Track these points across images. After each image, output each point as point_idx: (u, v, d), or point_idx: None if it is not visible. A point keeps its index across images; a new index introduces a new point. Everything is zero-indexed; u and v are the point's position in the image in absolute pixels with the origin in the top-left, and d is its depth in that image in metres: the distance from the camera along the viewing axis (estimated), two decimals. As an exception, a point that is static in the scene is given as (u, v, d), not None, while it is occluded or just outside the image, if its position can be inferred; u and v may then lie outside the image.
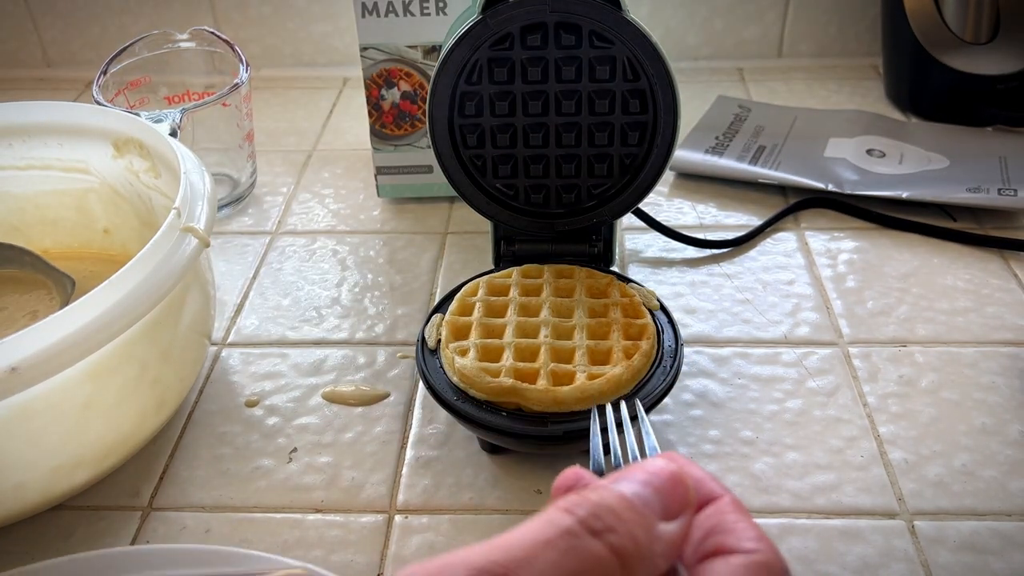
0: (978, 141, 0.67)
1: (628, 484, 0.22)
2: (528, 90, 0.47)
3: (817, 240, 0.59)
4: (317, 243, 0.61)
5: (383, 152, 0.62)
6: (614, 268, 0.52)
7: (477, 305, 0.46)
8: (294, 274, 0.58)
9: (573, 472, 0.25)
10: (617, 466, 0.30)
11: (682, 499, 0.22)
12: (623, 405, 0.35)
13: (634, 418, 0.34)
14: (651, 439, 0.30)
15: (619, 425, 0.34)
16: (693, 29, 0.82)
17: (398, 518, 0.42)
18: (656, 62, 0.45)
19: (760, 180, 0.64)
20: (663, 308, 0.47)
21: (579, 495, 0.21)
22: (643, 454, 0.30)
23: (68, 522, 0.42)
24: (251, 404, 0.48)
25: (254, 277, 0.58)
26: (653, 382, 0.42)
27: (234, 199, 0.65)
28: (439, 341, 0.45)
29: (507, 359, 0.43)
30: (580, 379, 0.41)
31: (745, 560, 0.21)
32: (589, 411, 0.36)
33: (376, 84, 0.60)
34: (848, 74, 0.81)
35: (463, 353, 0.43)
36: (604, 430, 0.33)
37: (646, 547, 0.20)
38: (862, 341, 0.51)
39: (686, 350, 0.49)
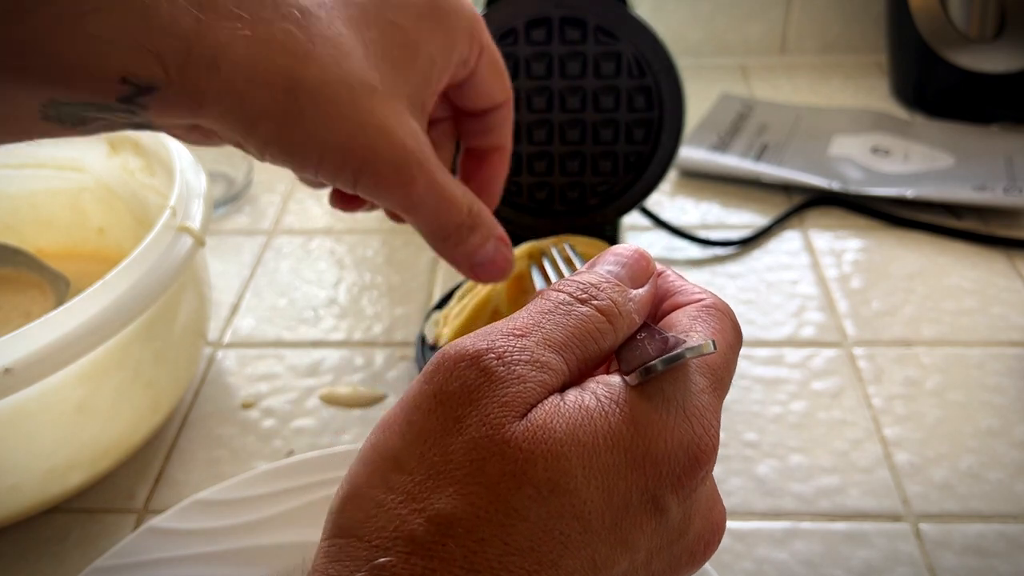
0: (983, 139, 0.67)
1: (602, 265, 0.27)
2: (532, 86, 0.47)
3: (822, 239, 0.59)
4: (314, 242, 0.60)
5: (382, 150, 0.62)
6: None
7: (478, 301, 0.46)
8: (291, 274, 0.57)
9: None
10: None
11: (645, 270, 0.27)
12: None
13: None
14: None
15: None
16: (696, 25, 0.81)
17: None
18: (662, 59, 0.45)
19: (763, 179, 0.63)
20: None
21: (564, 280, 0.26)
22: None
23: (63, 525, 0.41)
24: (247, 406, 0.47)
25: (250, 277, 0.57)
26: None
27: (230, 198, 0.64)
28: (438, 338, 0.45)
29: None
30: None
31: (697, 305, 0.26)
32: None
33: (375, 81, 0.59)
34: (852, 71, 0.80)
35: None
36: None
37: (623, 306, 0.25)
38: (867, 342, 0.50)
39: (689, 351, 0.49)
